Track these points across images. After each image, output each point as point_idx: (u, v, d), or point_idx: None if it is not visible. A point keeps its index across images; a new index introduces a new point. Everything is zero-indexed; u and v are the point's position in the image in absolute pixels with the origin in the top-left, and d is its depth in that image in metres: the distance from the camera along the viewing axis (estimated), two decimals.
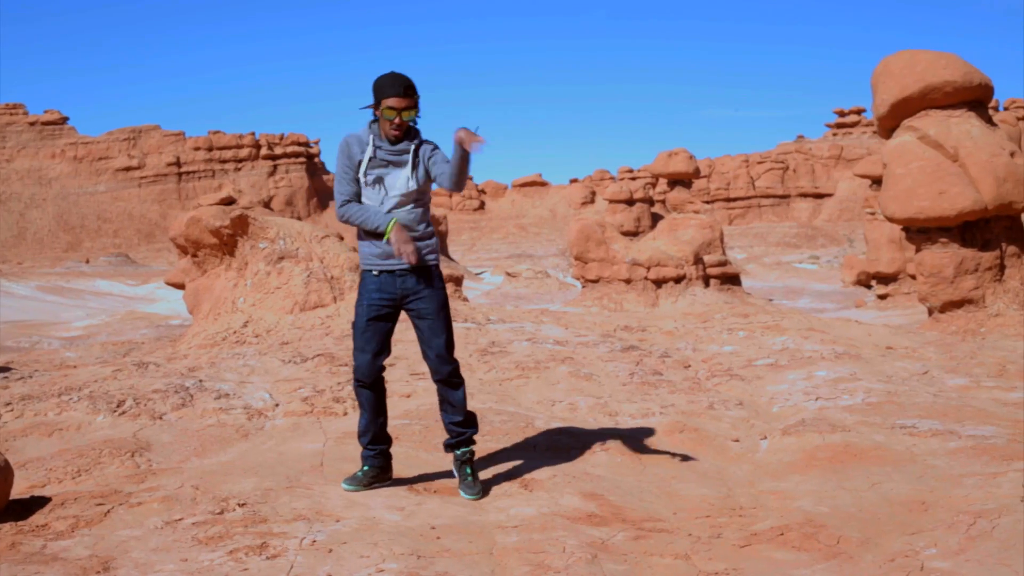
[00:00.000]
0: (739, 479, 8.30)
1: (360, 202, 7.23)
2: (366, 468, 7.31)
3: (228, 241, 18.05)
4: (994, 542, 6.07)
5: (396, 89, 7.02)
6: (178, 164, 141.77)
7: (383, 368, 7.45)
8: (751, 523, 6.96)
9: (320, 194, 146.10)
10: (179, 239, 18.82)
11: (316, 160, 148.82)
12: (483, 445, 8.64)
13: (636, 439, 9.21)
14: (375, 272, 7.29)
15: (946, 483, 7.68)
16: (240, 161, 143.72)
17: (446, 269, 40.59)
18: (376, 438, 7.44)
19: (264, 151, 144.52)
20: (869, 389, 11.44)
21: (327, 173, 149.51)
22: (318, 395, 10.64)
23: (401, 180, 7.19)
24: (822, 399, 11.12)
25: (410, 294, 7.30)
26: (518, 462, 8.16)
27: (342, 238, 20.11)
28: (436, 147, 7.29)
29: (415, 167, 7.18)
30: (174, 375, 11.42)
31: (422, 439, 8.81)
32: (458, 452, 7.50)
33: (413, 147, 7.18)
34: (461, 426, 7.51)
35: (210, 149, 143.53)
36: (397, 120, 7.06)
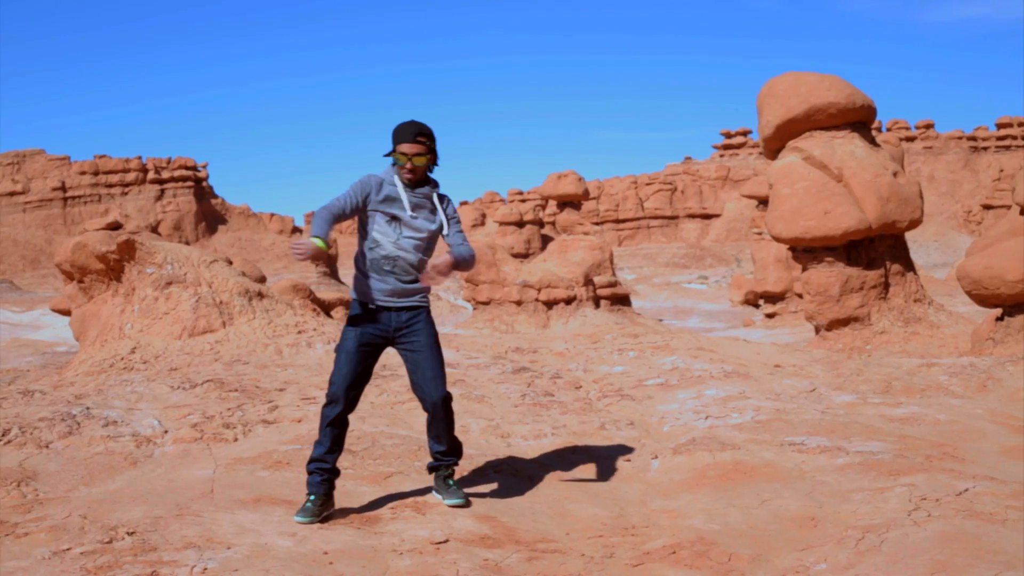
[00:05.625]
0: (631, 498, 8.35)
1: (335, 219, 7.39)
2: (313, 497, 7.21)
3: (115, 267, 17.83)
4: (882, 556, 6.16)
5: (407, 136, 7.41)
6: (63, 189, 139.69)
7: (359, 396, 7.67)
8: (643, 542, 7.00)
9: (209, 218, 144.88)
10: (65, 265, 18.56)
11: (204, 184, 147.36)
12: (375, 468, 8.62)
13: (528, 460, 9.24)
14: (372, 306, 7.56)
15: (835, 499, 7.78)
16: (127, 185, 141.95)
17: (336, 293, 40.39)
18: (332, 466, 7.44)
19: (151, 175, 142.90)
20: (758, 407, 11.55)
21: (215, 197, 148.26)
22: (208, 421, 10.54)
23: (424, 222, 7.52)
24: (712, 418, 11.21)
25: (403, 328, 7.60)
26: (410, 485, 8.14)
27: (231, 263, 19.93)
28: (452, 206, 7.74)
29: (434, 211, 7.60)
30: (61, 403, 11.24)
31: None
32: (437, 471, 7.88)
33: (436, 195, 7.58)
34: (444, 455, 7.86)
35: (96, 173, 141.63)
36: (409, 165, 7.40)
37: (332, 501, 7.38)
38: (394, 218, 7.44)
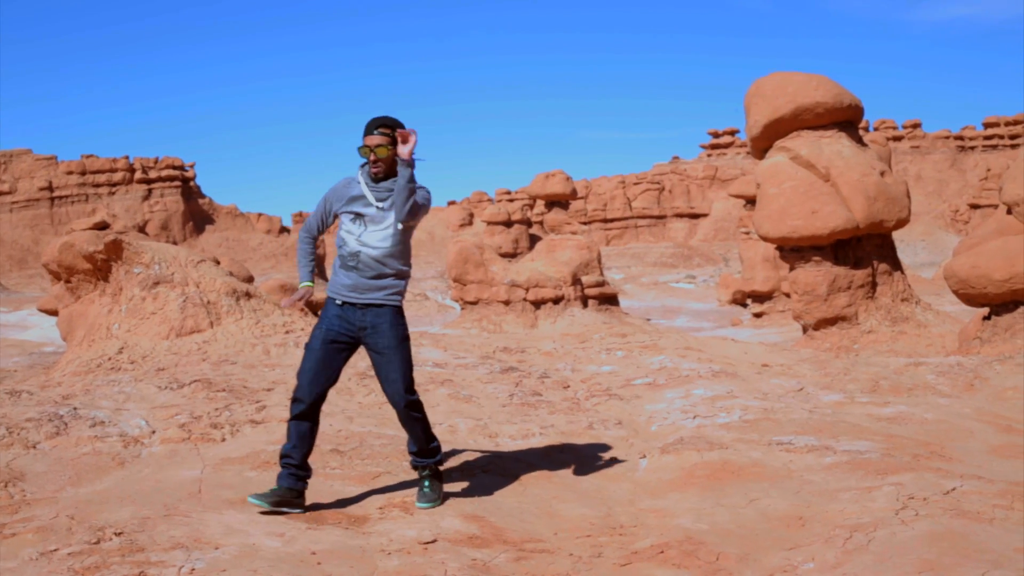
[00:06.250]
0: (619, 498, 8.35)
1: (313, 242, 7.82)
2: (275, 488, 7.31)
3: (102, 266, 17.79)
4: (870, 555, 6.17)
5: (369, 129, 7.48)
6: (51, 188, 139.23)
7: (324, 395, 7.63)
8: (631, 542, 7.00)
9: (196, 218, 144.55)
10: (52, 265, 18.52)
11: (191, 184, 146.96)
12: (363, 468, 8.61)
13: (516, 460, 9.22)
14: (339, 301, 7.62)
15: (823, 498, 7.78)
16: (114, 185, 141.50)
17: (323, 293, 40.34)
18: (298, 462, 7.47)
19: (138, 175, 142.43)
20: (746, 406, 11.56)
21: (203, 197, 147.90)
22: (195, 421, 10.52)
23: (388, 214, 7.51)
24: (700, 417, 11.21)
25: (368, 328, 7.59)
26: (398, 485, 8.13)
27: (218, 262, 19.91)
28: (421, 190, 7.59)
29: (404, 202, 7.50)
30: (48, 403, 11.21)
31: None
32: (417, 470, 7.90)
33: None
34: (417, 456, 7.85)
35: (83, 173, 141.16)
36: (372, 157, 7.45)
37: (302, 499, 7.41)
38: (358, 215, 7.52)
